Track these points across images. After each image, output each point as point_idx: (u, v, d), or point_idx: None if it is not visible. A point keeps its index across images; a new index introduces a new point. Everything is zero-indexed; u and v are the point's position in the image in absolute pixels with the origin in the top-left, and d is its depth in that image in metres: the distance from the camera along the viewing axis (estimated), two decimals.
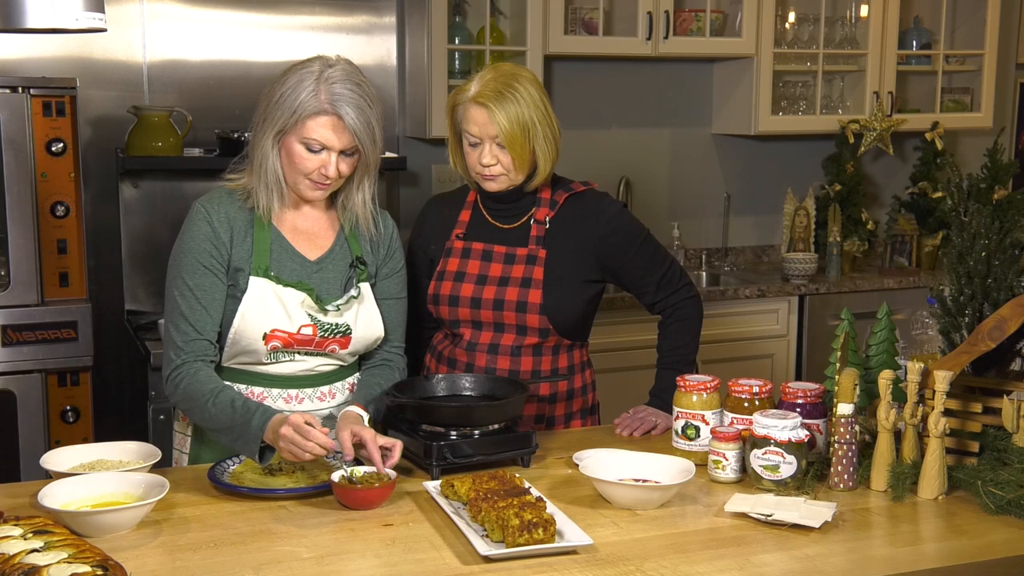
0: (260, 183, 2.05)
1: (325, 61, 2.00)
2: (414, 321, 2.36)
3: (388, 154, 3.79)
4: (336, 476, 1.84)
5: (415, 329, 2.39)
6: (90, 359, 3.10)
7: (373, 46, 3.85)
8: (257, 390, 2.09)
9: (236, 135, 3.40)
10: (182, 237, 2.05)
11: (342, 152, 2.00)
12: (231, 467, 1.98)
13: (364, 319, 2.12)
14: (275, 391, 2.09)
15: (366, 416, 2.00)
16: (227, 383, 2.03)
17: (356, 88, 1.97)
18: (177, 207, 3.52)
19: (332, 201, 2.15)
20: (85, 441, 3.06)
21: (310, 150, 1.98)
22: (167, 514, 1.79)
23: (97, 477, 1.83)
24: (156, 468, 1.97)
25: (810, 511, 1.77)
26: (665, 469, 1.91)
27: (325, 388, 2.14)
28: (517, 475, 1.86)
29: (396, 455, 1.90)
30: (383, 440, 1.91)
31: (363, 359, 2.21)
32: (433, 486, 1.87)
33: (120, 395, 3.60)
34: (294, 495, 1.87)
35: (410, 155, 3.88)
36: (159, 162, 3.43)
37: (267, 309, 2.03)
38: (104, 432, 3.09)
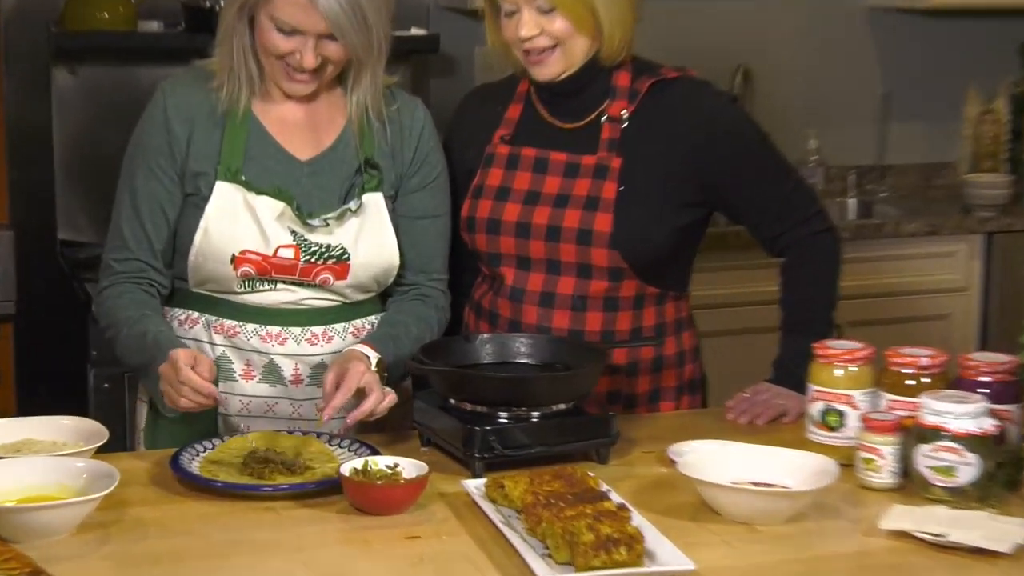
0: (225, 64, 2.14)
1: None
2: (453, 262, 2.38)
3: (415, 31, 3.76)
4: (347, 468, 1.85)
5: (453, 274, 2.41)
6: (11, 305, 3.16)
7: None
8: (228, 323, 2.19)
9: (208, 3, 3.40)
10: (137, 129, 2.19)
11: (322, 36, 2.07)
12: (202, 453, 1.99)
13: (368, 241, 2.17)
14: (249, 327, 2.18)
15: (374, 358, 2.06)
16: (150, 312, 2.13)
17: None
18: (128, 100, 3.30)
19: (340, 82, 2.20)
20: (6, 415, 2.89)
21: (281, 31, 2.07)
22: (117, 514, 1.80)
23: (23, 463, 1.84)
24: (101, 452, 1.97)
25: (998, 530, 1.74)
26: (796, 469, 1.90)
27: (318, 329, 2.21)
28: (591, 473, 1.86)
29: (366, 406, 1.99)
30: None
31: (387, 295, 2.28)
32: (475, 486, 1.88)
33: (52, 354, 3.57)
34: (288, 493, 1.87)
35: (445, 32, 3.85)
36: (105, 39, 3.45)
37: (236, 224, 2.11)
38: (31, 403, 3.10)
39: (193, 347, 2.12)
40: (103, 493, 1.74)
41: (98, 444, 1.98)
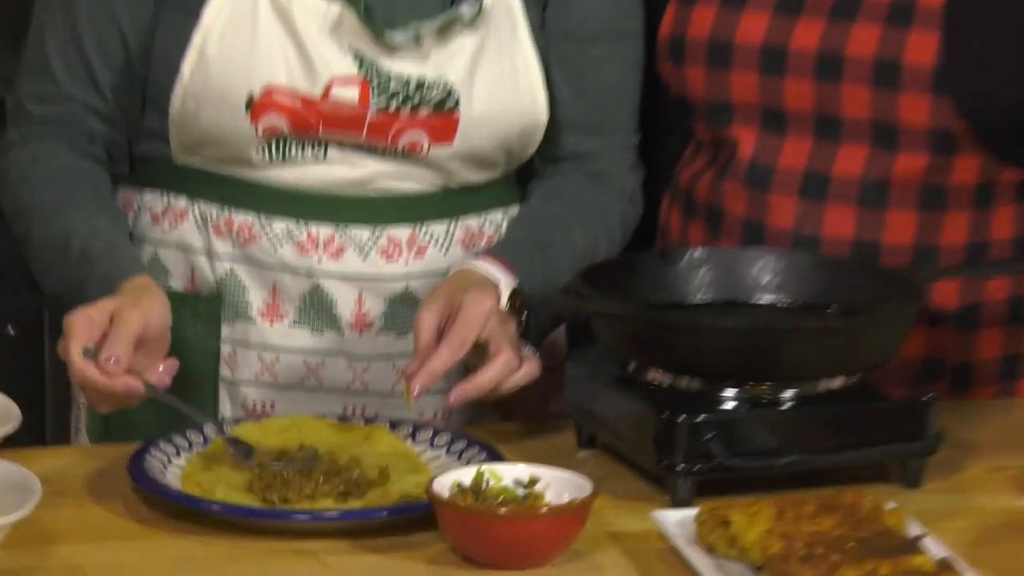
0: None
1: None
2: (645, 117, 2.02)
3: None
4: (444, 484, 1.48)
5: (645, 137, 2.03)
6: None
7: None
8: (240, 219, 1.79)
9: None
10: None
11: None
12: (186, 450, 1.63)
13: (492, 76, 1.78)
14: (278, 226, 1.78)
15: (506, 287, 1.70)
16: (82, 195, 1.78)
17: None
18: None
19: None
20: None
21: None
22: (38, 557, 1.50)
23: None
24: (10, 447, 1.65)
25: None
26: None
27: (402, 231, 1.80)
28: (891, 504, 1.57)
29: (485, 377, 1.59)
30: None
31: (527, 173, 1.89)
32: (678, 522, 1.56)
33: None
34: (338, 526, 1.51)
35: None
36: None
37: (255, 41, 1.75)
38: None
39: (179, 260, 1.77)
40: (13, 517, 1.45)
41: (4, 433, 1.68)
